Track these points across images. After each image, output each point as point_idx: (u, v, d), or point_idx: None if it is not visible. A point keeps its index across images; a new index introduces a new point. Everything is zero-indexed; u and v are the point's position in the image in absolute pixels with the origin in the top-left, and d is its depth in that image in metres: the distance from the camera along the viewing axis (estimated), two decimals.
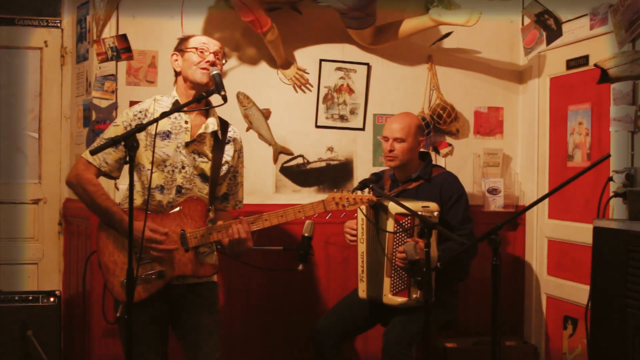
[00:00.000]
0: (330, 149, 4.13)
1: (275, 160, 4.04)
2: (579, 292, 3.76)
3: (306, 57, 4.08)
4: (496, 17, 4.23)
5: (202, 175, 2.84)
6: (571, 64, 3.93)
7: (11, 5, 4.17)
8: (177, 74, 2.88)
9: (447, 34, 4.14)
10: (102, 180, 2.80)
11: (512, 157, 4.37)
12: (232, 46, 3.96)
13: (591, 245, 3.20)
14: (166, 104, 2.83)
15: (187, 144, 2.80)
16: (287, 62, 4.04)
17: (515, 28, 4.29)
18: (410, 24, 3.99)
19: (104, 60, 3.77)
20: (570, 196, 3.91)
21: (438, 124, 4.19)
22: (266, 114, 3.97)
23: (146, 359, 2.75)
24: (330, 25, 4.04)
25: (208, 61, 2.79)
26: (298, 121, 4.08)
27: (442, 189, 3.49)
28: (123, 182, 2.96)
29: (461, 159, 4.29)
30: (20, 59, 4.20)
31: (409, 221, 3.22)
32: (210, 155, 2.85)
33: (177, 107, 2.75)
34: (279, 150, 4.03)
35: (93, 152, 2.49)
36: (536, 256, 4.23)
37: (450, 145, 4.27)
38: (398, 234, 3.23)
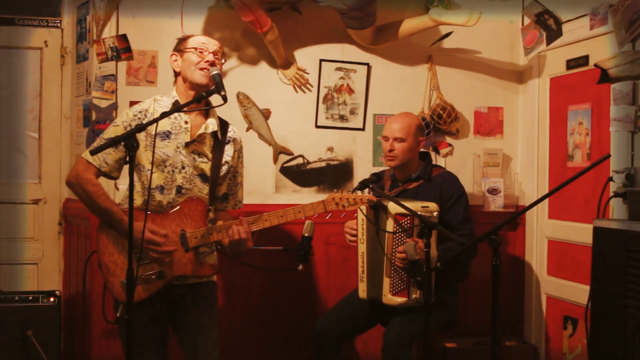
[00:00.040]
0: (330, 149, 4.13)
1: (275, 160, 4.04)
2: (579, 292, 3.76)
3: (306, 57, 4.08)
4: (496, 17, 4.22)
5: (202, 176, 2.84)
6: (571, 64, 3.93)
7: (11, 5, 4.17)
8: (176, 74, 2.88)
9: (447, 34, 4.14)
10: (102, 180, 2.80)
11: (512, 157, 4.37)
12: (232, 46, 3.96)
13: (591, 245, 3.20)
14: (166, 104, 2.83)
15: (187, 144, 2.80)
16: (287, 62, 4.04)
17: (515, 28, 4.29)
18: (410, 24, 3.99)
19: (104, 60, 3.77)
20: (570, 196, 3.91)
21: (438, 124, 4.19)
22: (266, 114, 3.97)
23: (146, 359, 2.75)
24: (330, 25, 4.04)
25: (207, 61, 2.78)
26: (298, 121, 4.08)
27: (442, 189, 3.49)
28: (123, 182, 2.96)
29: (461, 159, 4.29)
30: (20, 59, 4.20)
31: (408, 221, 3.22)
32: (210, 155, 2.85)
33: (177, 107, 2.75)
34: (279, 150, 4.03)
35: (93, 152, 2.49)
36: (536, 256, 4.23)
37: (450, 145, 4.27)
38: (398, 234, 3.23)
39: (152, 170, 2.72)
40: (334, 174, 4.13)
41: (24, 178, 4.22)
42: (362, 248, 3.41)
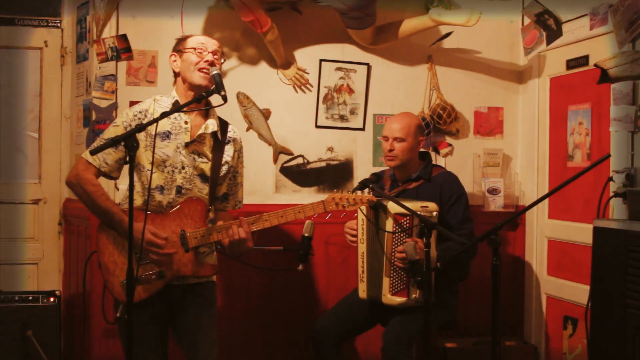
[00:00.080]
0: (330, 149, 4.13)
1: (275, 160, 4.04)
2: (579, 292, 3.76)
3: (306, 57, 4.08)
4: (496, 17, 4.22)
5: (202, 176, 2.84)
6: (571, 64, 3.93)
7: (11, 5, 4.17)
8: (176, 74, 2.88)
9: (447, 34, 4.14)
10: (102, 180, 2.80)
11: (512, 157, 4.37)
12: (232, 46, 3.96)
13: (591, 245, 3.20)
14: (166, 104, 2.83)
15: (186, 145, 2.80)
16: (287, 62, 4.04)
17: (515, 28, 4.29)
18: (410, 24, 3.99)
19: (104, 60, 3.77)
20: (570, 196, 3.91)
21: (438, 124, 4.19)
22: (266, 114, 3.97)
23: (146, 359, 2.75)
24: (330, 25, 4.04)
25: (207, 61, 2.78)
26: (298, 121, 4.08)
27: (442, 188, 3.49)
28: (123, 182, 2.96)
29: (461, 159, 4.29)
30: (20, 59, 4.20)
31: (408, 221, 3.22)
32: (210, 155, 2.84)
33: (177, 107, 2.75)
34: (279, 150, 4.03)
35: (93, 152, 2.49)
36: (536, 256, 4.23)
37: (450, 145, 4.27)
38: (397, 234, 3.23)
39: (152, 170, 2.72)
40: (334, 174, 4.13)
41: (24, 178, 4.22)
42: (362, 248, 3.41)
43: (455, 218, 3.45)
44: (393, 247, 3.24)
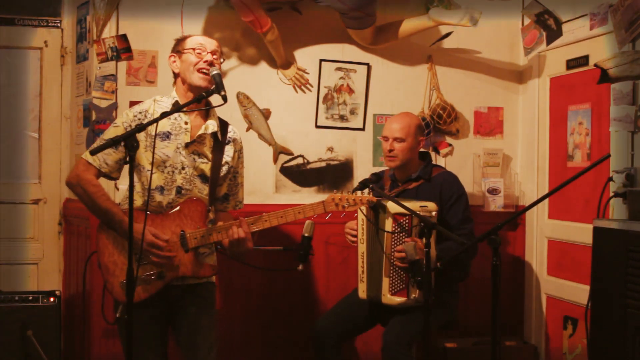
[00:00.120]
0: (330, 149, 4.13)
1: (275, 160, 4.04)
2: (579, 292, 3.76)
3: (306, 57, 4.08)
4: (496, 17, 4.22)
5: (202, 176, 2.84)
6: (571, 64, 3.93)
7: (11, 5, 4.17)
8: (175, 75, 2.88)
9: (447, 34, 4.14)
10: (102, 180, 2.80)
11: (512, 157, 4.37)
12: (232, 46, 3.96)
13: (591, 245, 3.20)
14: (166, 105, 2.82)
15: (187, 145, 2.80)
16: (287, 62, 4.04)
17: (515, 28, 4.29)
18: (410, 24, 3.99)
19: (104, 60, 3.77)
20: (570, 196, 3.91)
21: (438, 124, 4.19)
22: (266, 114, 3.98)
23: (146, 359, 2.75)
24: (330, 25, 4.04)
25: (206, 61, 2.78)
26: (298, 121, 4.08)
27: (442, 188, 3.49)
28: (123, 183, 2.96)
29: (461, 159, 4.29)
30: (20, 59, 4.20)
31: (407, 221, 3.22)
32: (210, 156, 2.84)
33: (177, 107, 2.75)
34: (279, 150, 4.03)
35: (93, 152, 2.49)
36: (536, 256, 4.23)
37: (450, 145, 4.27)
38: (397, 234, 3.23)
39: (152, 170, 2.72)
40: (334, 174, 4.13)
41: (24, 178, 4.22)
42: (362, 248, 3.41)
43: (455, 218, 3.45)
44: (393, 246, 3.24)
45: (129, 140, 2.37)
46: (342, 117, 4.14)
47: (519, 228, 4.34)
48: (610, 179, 3.32)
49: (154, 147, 2.71)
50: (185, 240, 2.75)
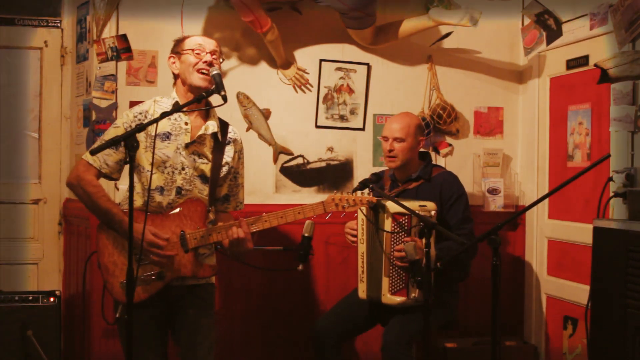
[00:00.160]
0: (330, 149, 4.13)
1: (275, 160, 4.04)
2: (579, 292, 3.76)
3: (306, 57, 4.08)
4: (496, 17, 4.22)
5: (202, 177, 2.83)
6: (571, 64, 3.93)
7: (11, 5, 4.17)
8: (175, 76, 2.88)
9: (447, 34, 4.14)
10: (102, 181, 2.80)
11: (512, 157, 4.37)
12: (232, 46, 3.96)
13: (591, 245, 3.20)
14: (166, 105, 2.82)
15: (187, 145, 2.80)
16: (287, 62, 4.04)
17: (515, 28, 4.29)
18: (410, 24, 3.99)
19: (104, 60, 3.77)
20: (570, 196, 3.91)
21: (438, 124, 4.19)
22: (266, 114, 3.98)
23: (146, 359, 2.75)
24: (330, 25, 4.04)
25: (205, 62, 2.78)
26: (298, 121, 4.08)
27: (442, 188, 3.49)
28: (123, 183, 2.96)
29: (461, 159, 4.29)
30: (20, 59, 4.20)
31: (406, 220, 3.22)
32: (210, 156, 2.84)
33: (177, 107, 2.75)
34: (279, 150, 4.03)
35: (93, 153, 2.49)
36: (536, 256, 4.23)
37: (450, 145, 4.27)
38: (396, 233, 3.22)
39: (152, 171, 2.72)
40: (334, 174, 4.13)
41: (24, 178, 4.22)
42: (362, 248, 3.41)
43: (455, 218, 3.45)
44: (392, 246, 3.24)
45: (128, 141, 2.37)
46: (342, 117, 4.14)
47: (519, 228, 4.34)
48: (610, 179, 3.32)
49: (153, 148, 2.71)
50: (185, 241, 2.75)
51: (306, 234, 3.09)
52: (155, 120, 2.51)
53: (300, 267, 3.07)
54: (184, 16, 3.83)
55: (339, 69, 4.12)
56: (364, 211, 3.30)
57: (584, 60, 3.83)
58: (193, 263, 2.78)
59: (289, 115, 4.05)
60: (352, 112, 4.15)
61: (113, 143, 2.41)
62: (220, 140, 2.87)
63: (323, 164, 4.13)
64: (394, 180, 3.63)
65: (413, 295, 3.24)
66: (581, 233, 3.76)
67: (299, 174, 4.09)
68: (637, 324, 2.90)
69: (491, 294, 2.43)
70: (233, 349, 3.94)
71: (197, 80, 2.78)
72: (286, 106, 4.05)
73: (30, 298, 3.75)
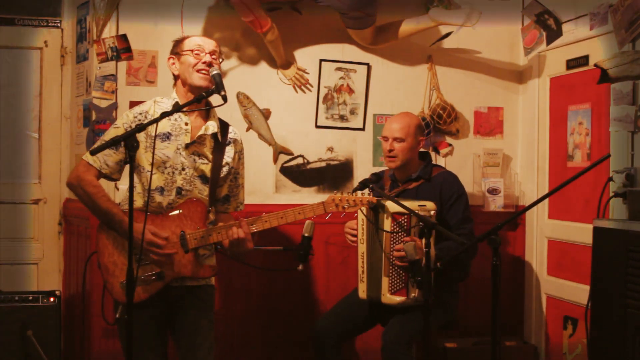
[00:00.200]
0: (330, 149, 4.13)
1: (275, 160, 4.04)
2: (579, 292, 3.76)
3: (306, 57, 4.08)
4: (496, 17, 4.21)
5: (203, 177, 2.83)
6: (571, 64, 3.93)
7: (11, 5, 4.17)
8: (175, 77, 2.88)
9: (447, 34, 4.13)
10: (103, 181, 2.80)
11: (512, 157, 4.37)
12: (232, 46, 3.96)
13: (591, 245, 3.20)
14: (166, 106, 2.82)
15: (187, 146, 2.80)
16: (287, 62, 4.04)
17: (515, 28, 4.29)
18: (410, 24, 3.98)
19: (104, 60, 3.77)
20: (570, 196, 3.91)
21: (438, 124, 4.19)
22: (266, 114, 3.98)
23: (146, 359, 2.75)
24: (330, 25, 4.04)
25: (205, 62, 2.78)
26: (298, 121, 4.08)
27: (442, 188, 3.49)
28: (123, 183, 2.96)
29: (461, 159, 4.29)
30: (20, 59, 4.20)
31: (406, 220, 3.22)
32: (210, 156, 2.84)
33: (177, 107, 2.75)
34: (279, 150, 4.03)
35: (93, 153, 2.49)
36: (536, 256, 4.23)
37: (450, 145, 4.27)
38: (396, 233, 3.22)
39: (152, 171, 2.72)
40: (334, 174, 4.13)
41: (24, 178, 4.22)
42: (362, 248, 3.41)
43: (455, 218, 3.45)
44: (392, 246, 3.24)
45: (128, 141, 2.37)
46: (342, 117, 4.14)
47: (519, 228, 4.34)
48: (610, 179, 3.32)
49: (153, 148, 2.71)
50: (185, 241, 2.75)
51: (306, 234, 3.09)
52: (155, 121, 2.51)
53: (300, 267, 3.07)
54: (184, 16, 3.83)
55: (339, 69, 4.12)
56: (364, 211, 3.30)
57: (584, 60, 3.83)
58: (193, 263, 2.78)
59: (289, 115, 4.05)
60: (352, 112, 4.15)
61: (113, 143, 2.41)
62: (220, 140, 2.87)
63: (323, 164, 4.13)
64: (394, 180, 3.63)
65: (413, 295, 3.24)
66: (581, 233, 3.76)
67: (299, 174, 4.08)
68: (637, 324, 2.90)
69: (491, 294, 2.43)
70: (233, 349, 3.94)
71: (198, 79, 2.77)
72: (286, 106, 4.05)
73: (30, 298, 3.75)
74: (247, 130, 3.93)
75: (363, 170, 4.12)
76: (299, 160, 4.08)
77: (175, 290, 2.81)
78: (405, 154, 3.50)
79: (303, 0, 3.91)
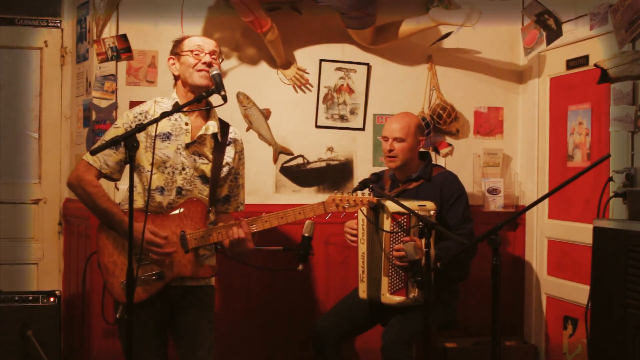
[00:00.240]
0: (330, 149, 4.13)
1: (275, 160, 4.04)
2: (579, 292, 3.76)
3: (306, 57, 4.08)
4: (496, 17, 4.21)
5: (203, 177, 2.83)
6: (571, 64, 3.93)
7: (11, 5, 4.17)
8: (176, 77, 2.88)
9: (447, 34, 4.13)
10: (103, 181, 2.80)
11: (512, 157, 4.37)
12: (232, 46, 3.96)
13: (591, 245, 3.20)
14: (166, 106, 2.82)
15: (187, 146, 2.80)
16: (287, 62, 4.04)
17: (515, 28, 4.29)
18: (410, 24, 3.98)
19: (104, 60, 3.77)
20: (571, 196, 3.91)
21: (438, 124, 4.19)
22: (266, 114, 3.98)
23: (146, 359, 2.75)
24: (330, 25, 4.04)
25: (205, 62, 2.78)
26: (298, 121, 4.08)
27: (442, 188, 3.49)
28: (123, 183, 2.95)
29: (461, 159, 4.29)
30: (20, 59, 4.20)
31: (405, 219, 3.22)
32: (210, 156, 2.84)
33: (177, 107, 2.75)
34: (279, 150, 4.03)
35: (93, 153, 2.50)
36: (536, 256, 4.23)
37: (450, 145, 4.27)
38: (395, 233, 3.22)
39: (152, 171, 2.72)
40: (334, 174, 4.13)
41: (24, 178, 4.22)
42: (362, 248, 3.40)
43: (455, 218, 3.45)
44: (391, 245, 3.24)
45: (128, 140, 2.37)
46: (342, 117, 4.14)
47: (519, 228, 4.34)
48: (610, 179, 3.32)
49: (153, 148, 2.71)
50: (186, 241, 2.75)
51: (306, 234, 3.08)
52: (155, 121, 2.51)
53: (300, 267, 3.07)
54: (184, 16, 3.83)
55: (339, 69, 4.12)
56: (365, 211, 3.30)
57: (584, 60, 3.83)
58: (193, 263, 2.78)
59: (289, 115, 4.05)
60: (352, 112, 4.15)
61: (113, 143, 2.42)
62: (220, 140, 2.87)
63: (323, 164, 4.13)
64: (394, 180, 3.63)
65: (412, 294, 3.24)
66: (581, 233, 3.76)
67: (299, 174, 4.09)
68: (637, 324, 2.90)
69: (491, 294, 2.44)
70: (233, 349, 3.94)
71: (198, 79, 2.77)
72: (286, 106, 4.05)
73: (30, 298, 3.75)
74: (247, 130, 3.93)
75: (363, 170, 4.12)
76: (299, 160, 4.08)
77: (175, 290, 2.81)
78: (405, 154, 3.50)
79: (303, 0, 3.91)
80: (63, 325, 3.90)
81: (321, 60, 4.09)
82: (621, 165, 3.32)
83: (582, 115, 3.86)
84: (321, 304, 4.05)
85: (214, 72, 2.70)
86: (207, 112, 2.88)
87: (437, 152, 4.25)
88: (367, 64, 4.16)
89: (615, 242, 3.03)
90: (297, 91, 4.08)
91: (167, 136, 2.78)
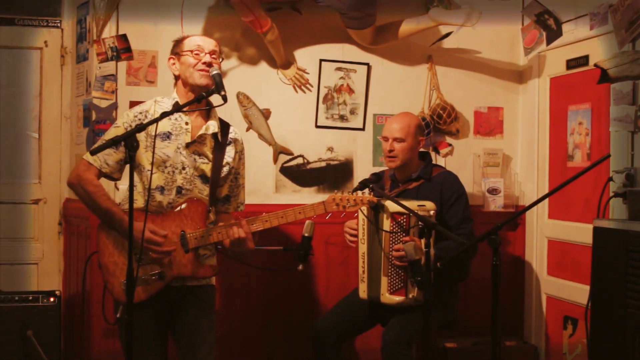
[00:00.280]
0: (330, 149, 4.13)
1: (275, 160, 4.04)
2: (579, 292, 3.76)
3: (306, 57, 4.08)
4: (496, 17, 4.21)
5: (203, 177, 2.84)
6: (571, 64, 3.93)
7: (11, 5, 4.17)
8: (176, 77, 2.88)
9: (447, 34, 4.13)
10: (103, 181, 2.80)
11: (512, 157, 4.37)
12: (232, 46, 3.96)
13: (591, 245, 3.20)
14: (166, 106, 2.82)
15: (187, 145, 2.80)
16: (287, 62, 4.04)
17: (515, 28, 4.29)
18: (410, 24, 3.98)
19: (104, 60, 3.77)
20: (571, 196, 3.91)
21: (438, 124, 4.19)
22: (266, 114, 3.98)
23: (146, 359, 2.75)
24: (330, 25, 4.04)
25: (205, 62, 2.78)
26: (298, 121, 4.08)
27: (442, 188, 3.49)
28: (123, 182, 2.95)
29: (461, 159, 4.29)
30: (20, 59, 4.20)
31: (405, 219, 3.22)
32: (210, 156, 2.84)
33: (177, 107, 2.75)
34: (279, 150, 4.03)
35: (93, 152, 2.50)
36: (536, 256, 4.23)
37: (450, 145, 4.27)
38: (395, 233, 3.23)
39: (152, 170, 2.72)
40: (334, 174, 4.13)
41: (24, 178, 4.22)
42: (362, 248, 3.40)
43: (455, 217, 3.46)
44: (391, 245, 3.24)
45: (129, 140, 2.37)
46: (342, 117, 4.14)
47: (519, 228, 4.34)
48: (610, 179, 3.32)
49: (153, 147, 2.71)
50: (186, 240, 2.75)
51: (306, 234, 3.09)
52: (155, 120, 2.51)
53: (300, 267, 3.07)
54: (184, 16, 3.83)
55: (339, 69, 4.12)
56: (365, 211, 3.30)
57: (584, 60, 3.83)
58: (193, 263, 2.78)
59: (289, 115, 4.05)
60: (352, 112, 4.15)
61: (113, 143, 2.42)
62: (220, 140, 2.87)
63: (323, 164, 4.13)
64: (394, 180, 3.63)
65: (412, 294, 3.24)
66: (581, 233, 3.76)
67: (299, 174, 4.09)
68: (637, 324, 2.90)
69: (491, 294, 2.44)
70: (233, 349, 3.94)
71: (199, 78, 2.77)
72: (286, 106, 4.05)
73: (30, 298, 3.75)
74: (247, 130, 3.93)
75: (363, 170, 4.12)
76: (299, 160, 4.08)
77: (175, 290, 2.81)
78: (405, 154, 3.50)
79: (303, 0, 3.91)
80: (63, 325, 3.90)
81: (321, 60, 4.09)
82: (621, 165, 3.32)
83: (582, 115, 3.86)
84: (321, 304, 4.05)
85: (214, 72, 2.71)
86: (208, 112, 2.88)
87: (437, 152, 4.25)
88: (367, 64, 4.16)
89: (615, 242, 3.03)
90: (297, 91, 4.08)
91: (167, 135, 2.78)
